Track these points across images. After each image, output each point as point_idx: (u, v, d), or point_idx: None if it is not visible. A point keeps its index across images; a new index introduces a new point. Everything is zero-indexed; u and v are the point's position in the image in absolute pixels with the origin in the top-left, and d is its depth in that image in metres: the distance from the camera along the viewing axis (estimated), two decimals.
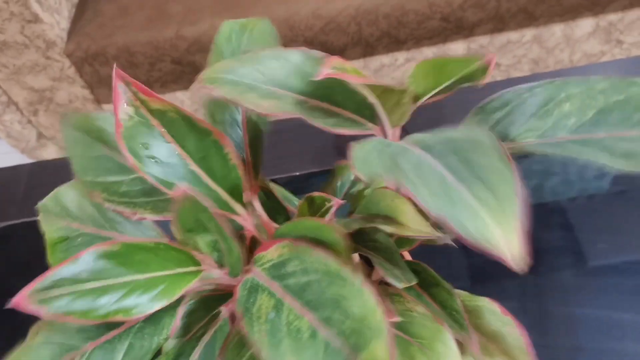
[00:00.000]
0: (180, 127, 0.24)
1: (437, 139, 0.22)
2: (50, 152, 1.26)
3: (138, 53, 0.97)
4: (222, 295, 0.30)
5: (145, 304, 0.23)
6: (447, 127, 0.25)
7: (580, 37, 1.16)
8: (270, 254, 0.24)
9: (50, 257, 0.30)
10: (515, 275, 0.46)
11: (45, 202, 0.31)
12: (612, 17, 1.14)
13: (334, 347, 0.20)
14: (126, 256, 0.23)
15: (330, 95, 0.27)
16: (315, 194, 0.32)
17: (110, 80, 1.03)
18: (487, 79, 0.27)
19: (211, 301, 0.30)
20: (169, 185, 0.25)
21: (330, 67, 0.24)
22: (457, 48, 1.07)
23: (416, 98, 0.29)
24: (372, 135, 0.30)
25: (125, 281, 0.23)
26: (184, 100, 1.07)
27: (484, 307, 0.29)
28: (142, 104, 0.24)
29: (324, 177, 0.60)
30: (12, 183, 0.68)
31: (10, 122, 1.13)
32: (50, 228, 0.30)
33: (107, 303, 0.22)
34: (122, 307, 0.22)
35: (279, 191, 0.36)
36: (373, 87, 0.26)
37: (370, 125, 0.30)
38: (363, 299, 0.20)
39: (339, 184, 0.38)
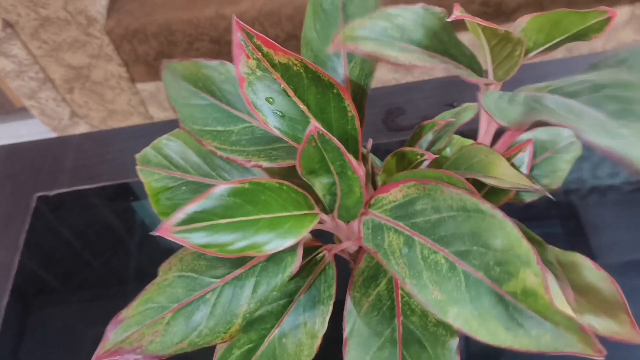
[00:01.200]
0: (303, 80, 0.24)
1: (579, 86, 0.22)
2: (81, 131, 1.27)
3: (177, 31, 0.98)
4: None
5: (275, 241, 0.23)
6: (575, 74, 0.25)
7: (615, 26, 1.16)
8: (393, 195, 0.24)
9: (154, 206, 0.30)
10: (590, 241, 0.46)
11: (145, 153, 0.31)
12: None
13: (475, 278, 0.20)
14: (254, 194, 0.24)
15: (447, 49, 0.28)
16: (406, 148, 0.33)
17: (147, 58, 1.04)
18: (604, 35, 0.27)
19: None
20: (298, 139, 0.25)
21: (458, 11, 0.24)
22: None
23: (526, 52, 0.29)
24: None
25: (255, 219, 0.24)
26: None
27: (577, 263, 0.30)
28: (265, 56, 0.24)
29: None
30: (61, 153, 0.69)
31: (45, 99, 1.14)
32: (151, 178, 0.31)
33: (240, 238, 0.23)
34: (254, 243, 0.23)
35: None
36: (492, 33, 0.26)
37: (477, 78, 0.30)
38: (506, 230, 0.20)
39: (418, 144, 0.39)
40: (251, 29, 0.22)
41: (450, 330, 0.23)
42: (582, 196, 0.50)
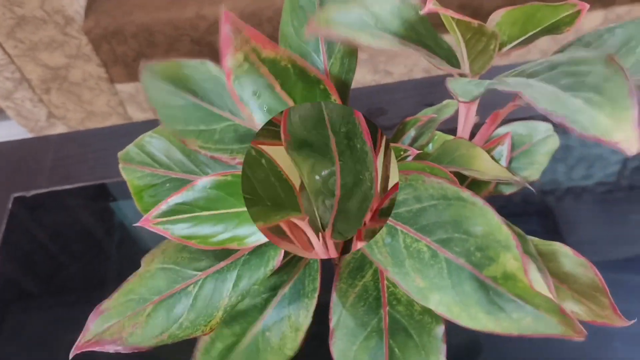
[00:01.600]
0: (291, 76, 0.24)
1: (539, 67, 0.23)
2: (59, 132, 1.25)
3: (157, 32, 0.97)
4: None
5: (257, 233, 0.24)
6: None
7: (587, 29, 1.18)
8: None
9: (138, 203, 0.30)
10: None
11: (127, 151, 0.31)
12: (620, 10, 1.16)
13: (457, 264, 0.21)
14: (236, 187, 0.24)
15: (423, 41, 0.28)
16: (390, 145, 0.33)
17: (126, 59, 1.03)
18: (575, 28, 0.28)
19: None
20: None
21: (432, 4, 0.25)
22: None
23: (500, 46, 0.29)
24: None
25: (237, 211, 0.24)
26: None
27: (556, 251, 0.30)
28: (252, 51, 0.24)
29: None
30: (40, 153, 0.68)
31: (21, 100, 1.12)
32: (134, 176, 0.31)
33: (223, 230, 0.23)
34: (236, 235, 0.23)
35: None
36: (465, 26, 0.26)
37: (451, 68, 0.30)
38: (487, 217, 0.21)
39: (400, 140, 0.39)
40: (240, 21, 0.22)
41: (436, 318, 0.24)
42: (558, 196, 0.51)
